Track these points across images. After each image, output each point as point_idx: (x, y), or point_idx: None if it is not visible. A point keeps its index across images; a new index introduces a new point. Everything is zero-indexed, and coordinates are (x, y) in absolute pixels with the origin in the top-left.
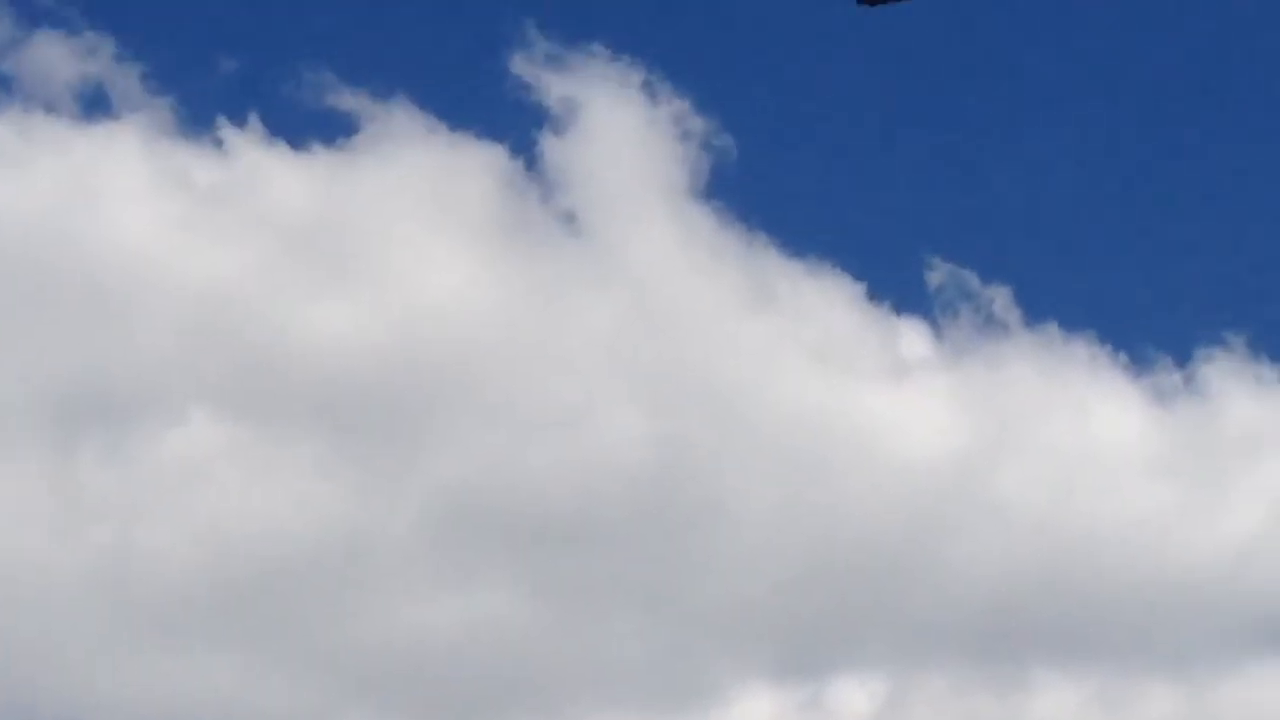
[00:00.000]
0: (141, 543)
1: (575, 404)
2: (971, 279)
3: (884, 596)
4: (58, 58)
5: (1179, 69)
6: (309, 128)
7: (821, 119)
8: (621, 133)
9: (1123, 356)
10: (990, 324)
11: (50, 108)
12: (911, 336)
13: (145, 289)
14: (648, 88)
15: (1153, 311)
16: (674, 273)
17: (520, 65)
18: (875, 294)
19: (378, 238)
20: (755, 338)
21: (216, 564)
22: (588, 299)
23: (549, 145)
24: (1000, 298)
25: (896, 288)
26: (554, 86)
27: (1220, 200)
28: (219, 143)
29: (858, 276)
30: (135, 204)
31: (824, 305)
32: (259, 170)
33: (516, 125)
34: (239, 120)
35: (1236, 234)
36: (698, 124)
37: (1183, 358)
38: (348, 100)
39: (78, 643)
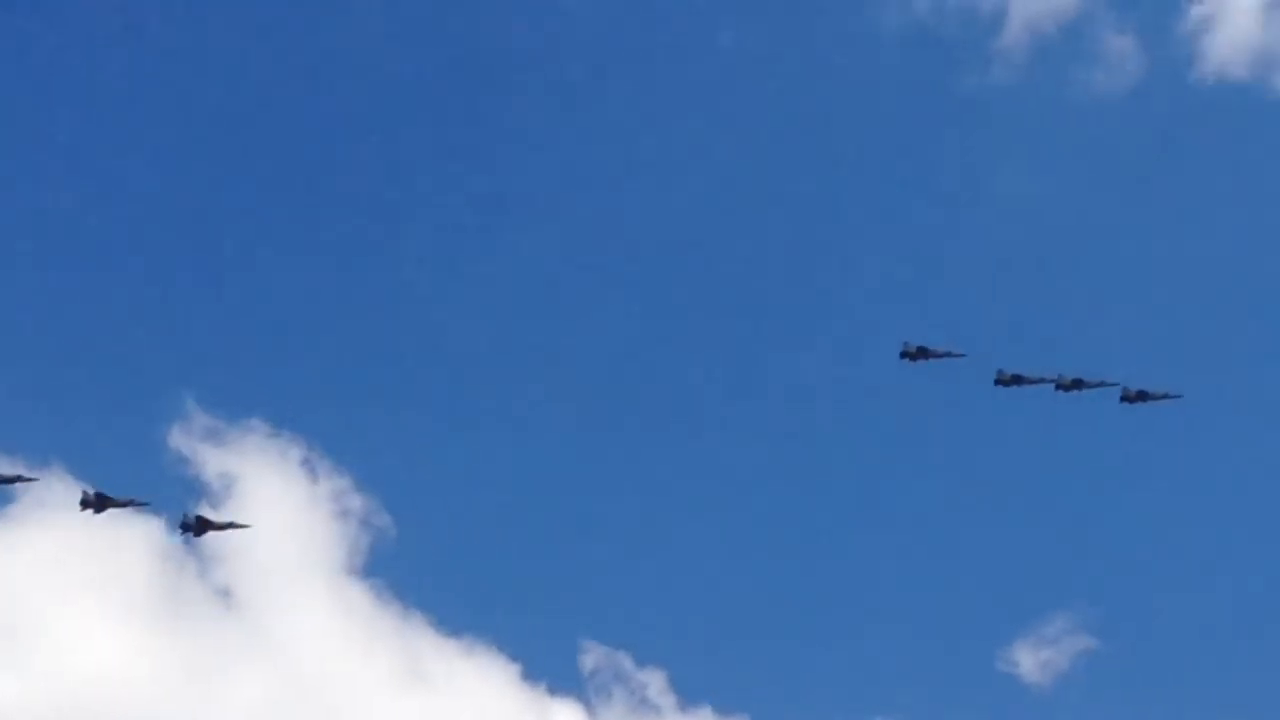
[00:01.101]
0: None
1: None
2: (626, 662)
3: None
4: None
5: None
6: None
7: (482, 501)
8: (280, 508)
9: None
10: (644, 706)
11: None
12: (565, 718)
13: None
14: (308, 464)
15: (808, 695)
16: (329, 649)
17: (178, 438)
18: (530, 675)
19: (29, 609)
20: (408, 715)
21: None
22: (242, 673)
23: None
24: (655, 681)
25: (551, 669)
26: (212, 460)
27: (877, 587)
28: None
29: (513, 657)
30: None
31: (478, 684)
32: None
33: (174, 498)
34: None
35: (891, 620)
36: (357, 502)
37: None
38: (2, 468)
39: None
